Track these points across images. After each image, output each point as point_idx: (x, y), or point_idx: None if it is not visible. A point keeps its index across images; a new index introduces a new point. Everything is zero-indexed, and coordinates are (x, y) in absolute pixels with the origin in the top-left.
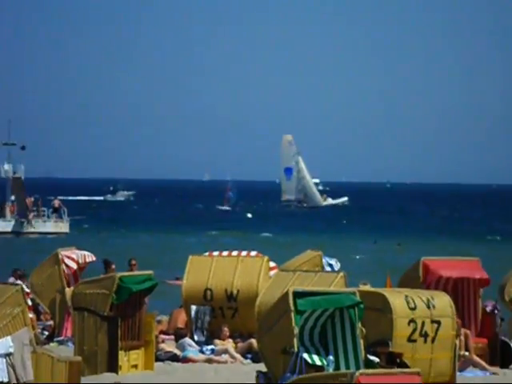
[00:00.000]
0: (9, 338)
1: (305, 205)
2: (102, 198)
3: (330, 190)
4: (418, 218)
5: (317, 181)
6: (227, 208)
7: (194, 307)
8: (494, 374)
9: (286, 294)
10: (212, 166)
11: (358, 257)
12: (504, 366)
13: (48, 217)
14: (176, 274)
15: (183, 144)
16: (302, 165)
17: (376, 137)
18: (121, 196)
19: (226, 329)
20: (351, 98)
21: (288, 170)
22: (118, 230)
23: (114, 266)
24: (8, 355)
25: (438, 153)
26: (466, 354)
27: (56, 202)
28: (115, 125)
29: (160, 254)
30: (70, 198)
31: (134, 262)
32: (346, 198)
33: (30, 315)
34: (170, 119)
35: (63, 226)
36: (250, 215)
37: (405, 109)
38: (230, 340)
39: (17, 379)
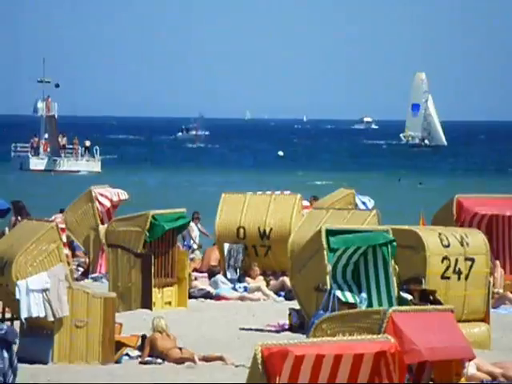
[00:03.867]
0: (45, 273)
1: (427, 143)
2: (171, 136)
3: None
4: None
5: (369, 119)
6: (199, 145)
7: (227, 245)
8: None
9: (319, 231)
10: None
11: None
12: None
13: (81, 155)
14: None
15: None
16: (431, 103)
17: None
18: (192, 136)
19: (256, 268)
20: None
21: (415, 106)
22: (144, 168)
23: None
24: (44, 291)
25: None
26: (500, 291)
27: (87, 142)
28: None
29: (190, 194)
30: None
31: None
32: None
33: (65, 251)
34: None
35: (95, 165)
36: (281, 153)
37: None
38: (261, 278)
39: (53, 314)
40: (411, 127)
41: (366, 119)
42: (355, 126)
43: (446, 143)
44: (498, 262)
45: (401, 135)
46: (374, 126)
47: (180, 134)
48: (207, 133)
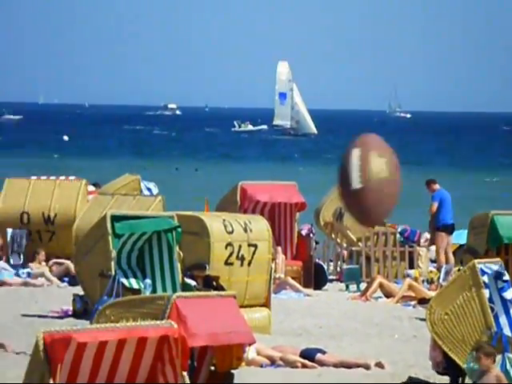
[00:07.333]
0: None
1: (291, 132)
2: None
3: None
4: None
5: (174, 106)
6: None
7: (10, 230)
8: (307, 295)
9: (104, 217)
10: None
11: None
12: (317, 287)
13: None
14: None
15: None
16: (296, 92)
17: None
18: (6, 120)
19: (42, 252)
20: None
21: (282, 95)
22: None
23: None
24: None
25: None
26: (282, 276)
27: None
28: None
29: None
30: None
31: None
32: (265, 126)
33: None
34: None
35: None
36: (66, 138)
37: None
38: (45, 263)
39: None
40: (279, 115)
41: (170, 106)
42: (158, 111)
43: (315, 131)
44: (279, 248)
45: (235, 122)
46: (178, 113)
47: None
48: (21, 117)
